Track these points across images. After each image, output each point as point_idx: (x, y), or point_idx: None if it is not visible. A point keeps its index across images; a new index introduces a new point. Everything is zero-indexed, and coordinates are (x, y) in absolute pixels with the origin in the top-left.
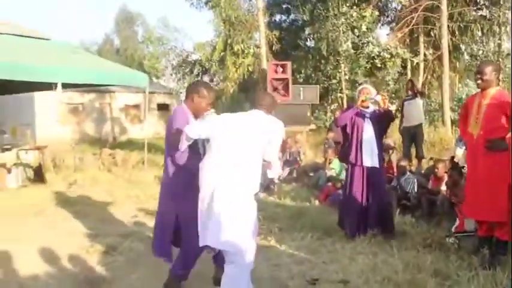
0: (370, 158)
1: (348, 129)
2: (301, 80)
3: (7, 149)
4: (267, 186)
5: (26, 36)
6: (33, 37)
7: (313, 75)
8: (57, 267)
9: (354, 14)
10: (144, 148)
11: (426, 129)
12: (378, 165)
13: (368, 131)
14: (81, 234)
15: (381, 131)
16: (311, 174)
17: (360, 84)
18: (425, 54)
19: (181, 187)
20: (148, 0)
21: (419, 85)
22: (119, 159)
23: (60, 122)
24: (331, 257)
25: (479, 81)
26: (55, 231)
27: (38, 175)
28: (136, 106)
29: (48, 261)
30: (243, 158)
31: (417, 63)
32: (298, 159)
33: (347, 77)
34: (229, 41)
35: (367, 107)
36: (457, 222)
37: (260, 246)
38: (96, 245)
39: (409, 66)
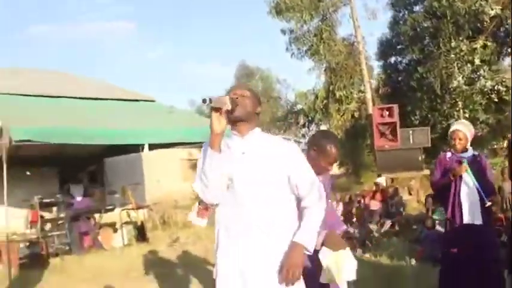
0: (470, 214)
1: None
2: (416, 123)
3: (110, 210)
4: (363, 241)
5: (126, 100)
6: (136, 100)
7: (429, 116)
8: None
9: (464, 48)
10: None
11: None
12: (480, 222)
13: (467, 181)
14: None
15: (485, 180)
16: (414, 226)
17: (481, 123)
18: None
19: None
20: (266, 54)
21: None
22: None
23: (182, 178)
24: None
25: None
26: None
27: (141, 234)
28: None
29: None
30: None
31: None
32: (401, 209)
33: (467, 115)
34: (331, 88)
35: (465, 151)
36: None
37: None
38: None
39: None
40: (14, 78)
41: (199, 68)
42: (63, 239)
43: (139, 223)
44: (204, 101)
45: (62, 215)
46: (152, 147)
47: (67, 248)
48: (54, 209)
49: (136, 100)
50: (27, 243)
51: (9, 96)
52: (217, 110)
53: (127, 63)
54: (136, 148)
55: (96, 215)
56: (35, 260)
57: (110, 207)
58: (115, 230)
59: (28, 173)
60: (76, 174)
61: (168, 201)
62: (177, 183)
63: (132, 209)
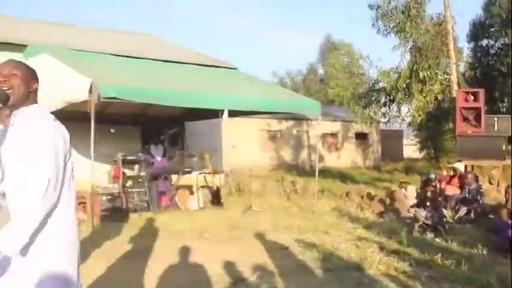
0: None
1: None
2: (504, 110)
3: (188, 172)
4: (435, 226)
5: (209, 66)
6: (218, 66)
7: None
8: None
9: None
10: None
11: None
12: None
13: None
14: (219, 261)
15: None
16: (491, 216)
17: None
18: None
19: None
20: (353, 29)
21: None
22: (299, 187)
23: (260, 148)
24: None
25: None
26: (199, 257)
27: (216, 198)
28: (334, 134)
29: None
30: None
31: None
32: (478, 197)
33: None
34: (415, 68)
35: None
36: None
37: None
38: (227, 275)
39: None
40: (104, 39)
41: (282, 38)
42: (142, 196)
43: (215, 188)
44: None
45: (142, 173)
46: (232, 114)
47: (145, 205)
48: (136, 166)
49: (219, 66)
50: (109, 197)
51: (99, 55)
52: None
53: (213, 31)
54: (216, 114)
55: (174, 176)
56: (115, 213)
57: (188, 169)
58: (191, 192)
59: (112, 130)
60: (157, 135)
61: (244, 169)
62: (255, 152)
63: (209, 173)
